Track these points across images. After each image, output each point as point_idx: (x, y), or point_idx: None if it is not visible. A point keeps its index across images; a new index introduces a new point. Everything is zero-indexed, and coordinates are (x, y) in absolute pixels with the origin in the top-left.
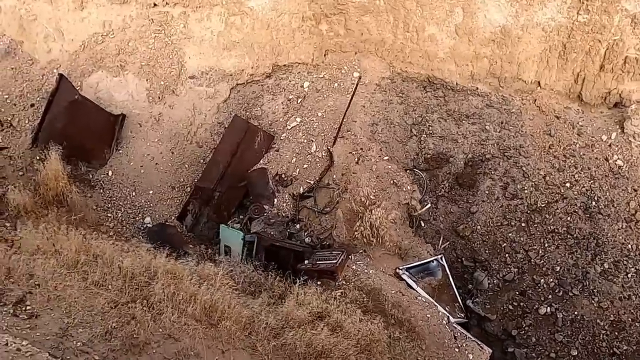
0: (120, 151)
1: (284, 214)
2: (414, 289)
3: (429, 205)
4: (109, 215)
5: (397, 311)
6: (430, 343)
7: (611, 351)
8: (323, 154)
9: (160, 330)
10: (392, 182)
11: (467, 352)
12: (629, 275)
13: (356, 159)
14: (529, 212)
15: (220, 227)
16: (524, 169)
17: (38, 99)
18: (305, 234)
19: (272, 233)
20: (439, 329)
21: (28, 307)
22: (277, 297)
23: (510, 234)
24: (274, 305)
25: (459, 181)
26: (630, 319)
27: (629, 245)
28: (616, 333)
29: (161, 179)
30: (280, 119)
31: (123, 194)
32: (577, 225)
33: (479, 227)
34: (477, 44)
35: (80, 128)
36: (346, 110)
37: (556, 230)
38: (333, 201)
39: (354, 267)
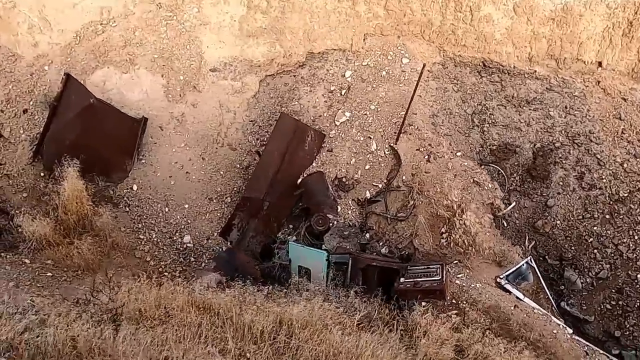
0: (143, 161)
1: (350, 223)
2: (523, 301)
3: (514, 203)
4: (141, 237)
5: (525, 331)
6: None
7: None
8: (386, 153)
9: None
10: (472, 180)
11: None
12: None
13: (426, 157)
14: (611, 202)
15: (289, 245)
16: (598, 156)
17: (31, 103)
18: (381, 244)
19: (348, 247)
20: (570, 346)
21: None
22: (401, 332)
23: (595, 228)
24: (407, 347)
25: (532, 173)
26: None
27: None
28: None
29: (196, 190)
30: (325, 114)
31: (154, 210)
32: None
33: (558, 221)
34: (536, 23)
35: (96, 137)
36: (410, 102)
37: None
38: (407, 205)
39: (457, 282)
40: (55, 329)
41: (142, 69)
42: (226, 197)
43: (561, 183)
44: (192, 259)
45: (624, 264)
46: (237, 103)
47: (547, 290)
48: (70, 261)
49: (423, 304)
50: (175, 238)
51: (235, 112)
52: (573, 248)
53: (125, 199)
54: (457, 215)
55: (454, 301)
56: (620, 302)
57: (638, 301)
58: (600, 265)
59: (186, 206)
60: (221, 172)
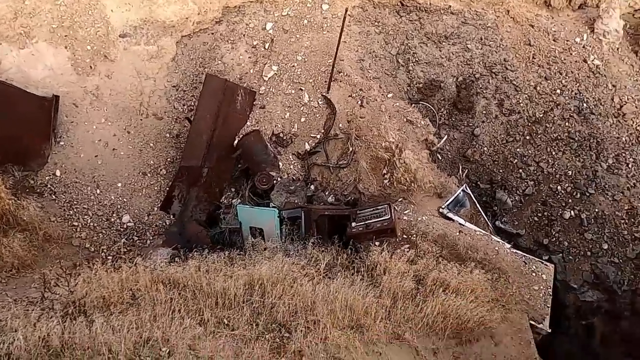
0: (62, 143)
1: (294, 177)
2: (465, 226)
3: (446, 137)
4: (75, 224)
5: (472, 253)
6: (512, 274)
7: (632, 236)
8: (319, 103)
9: (324, 354)
10: (405, 120)
11: (540, 273)
12: (630, 166)
13: (359, 102)
14: (529, 124)
15: (237, 208)
16: (514, 82)
17: None
18: (327, 193)
19: (296, 201)
20: (511, 259)
21: None
22: (363, 274)
23: (517, 149)
24: (372, 285)
25: (457, 106)
26: None
27: (623, 138)
28: (632, 220)
29: (126, 167)
30: (251, 71)
31: (84, 194)
32: (575, 128)
33: (485, 148)
34: None
35: (4, 123)
36: (337, 49)
37: (559, 137)
38: (347, 152)
39: (405, 218)
40: (23, 332)
41: (41, 42)
42: (161, 169)
43: (484, 112)
44: (136, 238)
45: (545, 178)
46: (155, 69)
47: (482, 213)
48: (1, 261)
49: (377, 243)
50: (113, 219)
51: (155, 78)
52: (501, 171)
53: (49, 186)
54: (396, 155)
55: (404, 236)
56: (545, 214)
57: (560, 210)
58: (525, 183)
59: (119, 185)
60: (151, 144)
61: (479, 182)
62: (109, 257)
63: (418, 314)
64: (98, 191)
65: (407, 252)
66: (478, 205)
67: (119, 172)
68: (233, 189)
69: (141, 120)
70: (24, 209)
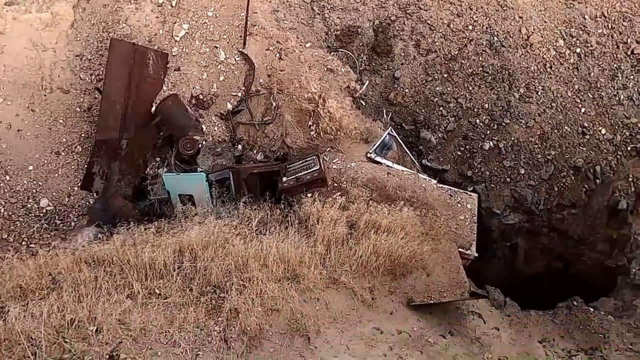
0: None
1: (219, 139)
2: (393, 167)
3: (367, 82)
4: None
5: (400, 192)
6: (439, 207)
7: (545, 159)
8: (236, 59)
9: (260, 308)
10: (325, 69)
11: (465, 203)
12: (539, 93)
13: (277, 55)
14: (446, 62)
15: (163, 177)
16: (429, 22)
17: None
18: (255, 152)
19: (224, 163)
20: (438, 194)
21: None
22: (296, 226)
23: (437, 88)
24: (306, 236)
25: (376, 50)
26: (549, 129)
27: (532, 67)
28: (544, 144)
29: (36, 148)
30: (160, 32)
31: None
32: (488, 62)
33: (407, 90)
34: None
35: None
36: (248, 1)
37: (474, 72)
38: (271, 108)
39: (334, 166)
40: None
41: None
42: (75, 147)
43: (403, 54)
44: (59, 222)
45: (465, 113)
46: (52, 38)
47: (409, 153)
48: None
49: (309, 195)
50: (29, 205)
51: (55, 49)
52: (423, 110)
53: None
54: (320, 105)
55: (335, 184)
56: (467, 147)
57: (480, 142)
58: (447, 120)
59: (30, 168)
60: (60, 121)
61: (403, 124)
62: (23, 245)
63: (352, 257)
64: (7, 177)
65: (339, 199)
66: (404, 147)
67: (27, 154)
68: (158, 159)
69: (45, 95)
70: None
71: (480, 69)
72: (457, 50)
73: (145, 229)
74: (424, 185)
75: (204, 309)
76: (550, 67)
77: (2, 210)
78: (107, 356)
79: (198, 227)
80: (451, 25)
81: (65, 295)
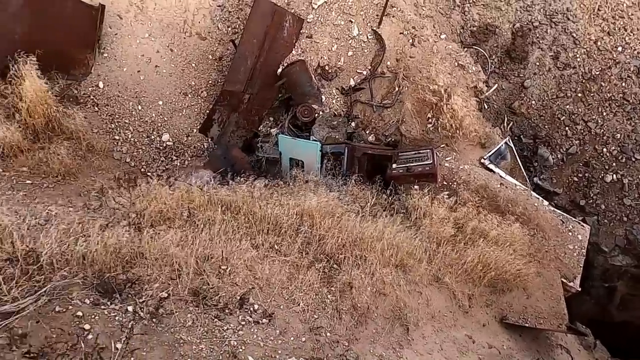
0: (105, 54)
1: (335, 113)
2: (506, 178)
3: (496, 86)
4: (116, 137)
5: (512, 206)
6: (549, 231)
7: None
8: (369, 37)
9: (370, 288)
10: (456, 64)
11: (576, 233)
12: None
13: (410, 40)
14: (583, 81)
15: (279, 138)
16: (574, 35)
17: None
18: (367, 132)
19: (337, 137)
20: (550, 217)
21: (256, 307)
22: (402, 215)
23: (567, 106)
24: (412, 228)
25: (510, 55)
26: None
27: None
28: None
29: (168, 85)
30: None
31: (126, 109)
32: (632, 90)
33: (533, 102)
34: None
35: (50, 28)
36: None
37: (613, 98)
38: (392, 92)
39: (446, 164)
40: (96, 238)
41: None
42: (202, 91)
43: (537, 63)
44: (174, 158)
45: (592, 139)
46: None
47: (522, 167)
48: (46, 167)
49: (416, 187)
50: (153, 137)
51: None
52: (546, 126)
53: (92, 98)
54: (444, 100)
55: (444, 183)
56: (586, 175)
57: (602, 172)
58: (570, 142)
59: (160, 103)
60: (193, 65)
61: (521, 136)
62: (153, 175)
63: (458, 261)
64: (139, 107)
65: (448, 199)
66: (518, 160)
67: (160, 90)
68: (272, 119)
69: (184, 38)
70: (71, 117)
71: (621, 95)
72: (598, 71)
73: (265, 186)
74: (536, 204)
75: (318, 275)
76: None
77: (130, 136)
78: (239, 297)
79: (313, 195)
80: (598, 43)
81: (199, 231)
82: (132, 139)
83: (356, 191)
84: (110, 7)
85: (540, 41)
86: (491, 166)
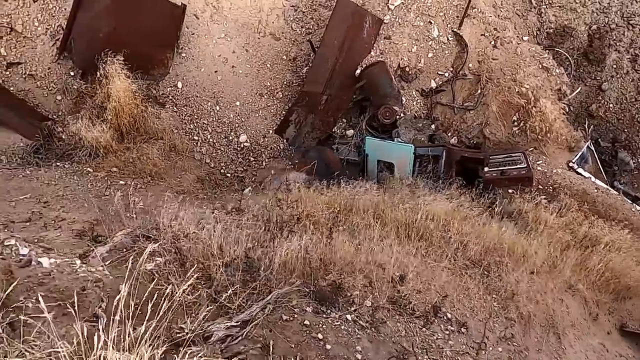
0: (183, 54)
1: (415, 114)
2: (596, 182)
3: (580, 88)
4: (196, 138)
5: (612, 212)
6: None
7: None
8: (449, 39)
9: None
10: (540, 66)
11: None
12: None
13: (492, 42)
14: None
15: (367, 140)
16: None
17: None
18: (449, 134)
19: (422, 139)
20: None
21: (449, 315)
22: (514, 220)
23: None
24: (530, 232)
25: (588, 57)
26: None
27: None
28: None
29: (244, 86)
30: None
31: (204, 109)
32: None
33: (611, 105)
34: None
35: (134, 28)
36: None
37: None
38: (474, 94)
39: (539, 168)
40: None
41: None
42: (277, 92)
43: (615, 66)
44: (252, 158)
45: None
46: None
47: (602, 171)
48: (134, 167)
49: (510, 190)
50: (231, 138)
51: None
52: (626, 130)
53: (171, 98)
54: (532, 102)
55: (539, 187)
56: None
57: None
58: None
59: (237, 103)
60: (268, 65)
61: (599, 139)
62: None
63: (582, 267)
64: (217, 108)
65: (548, 203)
66: (599, 163)
67: (237, 90)
68: (345, 120)
69: (259, 39)
70: (157, 117)
71: None
72: None
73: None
74: (633, 209)
75: (473, 282)
76: None
77: (209, 137)
78: (431, 306)
79: (432, 199)
80: None
81: (365, 238)
82: (210, 140)
83: (455, 194)
84: (188, 6)
85: (617, 43)
86: (579, 170)
